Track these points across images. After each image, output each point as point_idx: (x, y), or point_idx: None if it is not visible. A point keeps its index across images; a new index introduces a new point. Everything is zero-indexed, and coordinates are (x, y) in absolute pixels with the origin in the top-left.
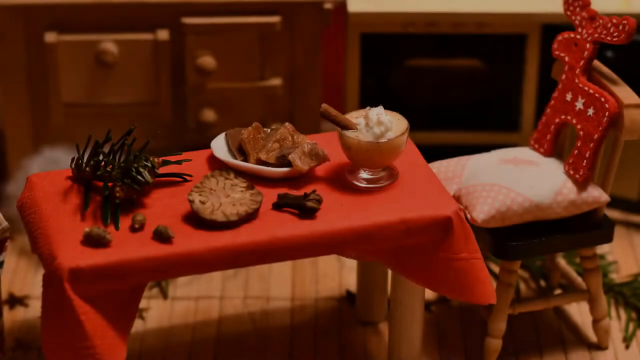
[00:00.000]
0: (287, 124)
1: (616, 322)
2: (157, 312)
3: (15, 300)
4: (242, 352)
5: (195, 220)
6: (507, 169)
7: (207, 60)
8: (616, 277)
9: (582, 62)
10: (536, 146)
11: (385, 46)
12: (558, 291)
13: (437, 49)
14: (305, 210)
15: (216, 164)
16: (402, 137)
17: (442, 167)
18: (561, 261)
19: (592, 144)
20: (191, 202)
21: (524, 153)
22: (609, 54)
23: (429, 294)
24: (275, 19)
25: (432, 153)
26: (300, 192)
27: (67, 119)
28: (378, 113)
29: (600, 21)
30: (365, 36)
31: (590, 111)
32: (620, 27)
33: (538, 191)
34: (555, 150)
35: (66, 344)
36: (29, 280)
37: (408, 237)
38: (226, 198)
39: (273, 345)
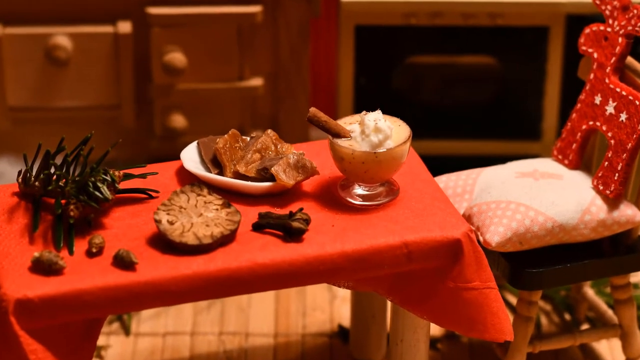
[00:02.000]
0: (269, 131)
1: None
2: (117, 350)
3: None
4: None
5: (163, 243)
6: (525, 184)
7: (176, 57)
8: None
9: (613, 59)
10: (560, 157)
11: (383, 40)
12: (585, 326)
13: (444, 44)
14: (290, 231)
15: (187, 178)
16: (404, 147)
17: (450, 182)
18: (589, 291)
19: (624, 155)
20: (157, 222)
21: (546, 165)
22: None
23: (435, 329)
24: (255, 9)
25: (438, 165)
26: (285, 211)
27: (14, 125)
28: (375, 118)
29: (635, 11)
30: (361, 29)
31: (623, 116)
32: None
33: (562, 209)
34: (582, 161)
35: None
36: None
37: (410, 263)
38: (198, 217)
39: None
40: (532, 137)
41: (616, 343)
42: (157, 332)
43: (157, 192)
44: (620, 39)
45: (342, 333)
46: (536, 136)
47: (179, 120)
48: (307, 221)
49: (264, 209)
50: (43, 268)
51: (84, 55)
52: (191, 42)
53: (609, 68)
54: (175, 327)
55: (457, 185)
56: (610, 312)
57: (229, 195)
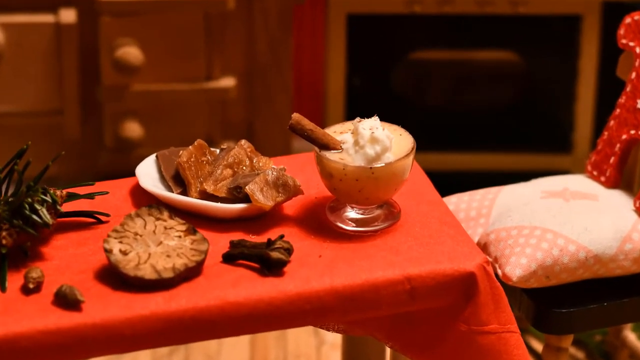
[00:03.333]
0: (243, 141)
1: None
2: None
3: None
4: None
5: (114, 277)
6: (553, 206)
7: (131, 52)
8: None
9: None
10: (595, 173)
11: (381, 32)
12: None
13: (455, 37)
14: (269, 263)
15: (143, 199)
16: (406, 161)
17: (462, 203)
18: (630, 335)
19: None
20: (108, 252)
21: (578, 183)
22: None
23: None
24: None
25: (448, 183)
26: (262, 239)
27: None
28: (372, 126)
29: None
30: (354, 18)
31: None
32: None
33: (598, 237)
34: (621, 179)
35: None
36: None
37: (414, 301)
38: (157, 246)
39: None
40: (561, 149)
41: None
42: None
43: (107, 215)
44: None
45: None
46: (566, 148)
47: (133, 129)
48: (288, 251)
49: (237, 236)
50: None
51: (20, 50)
52: (148, 33)
53: None
54: None
55: (470, 207)
56: None
57: (195, 220)
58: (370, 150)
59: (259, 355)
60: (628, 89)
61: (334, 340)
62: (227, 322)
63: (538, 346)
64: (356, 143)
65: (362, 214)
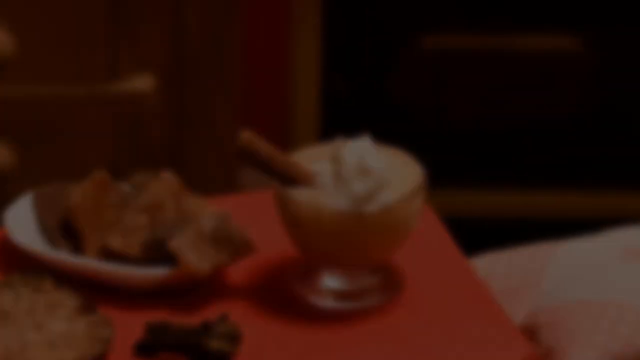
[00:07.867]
0: (165, 174)
1: None
2: None
3: None
4: None
5: None
6: (638, 272)
7: None
8: None
9: None
10: None
11: (376, 9)
12: None
13: (490, 15)
14: (205, 357)
15: (14, 260)
16: (412, 203)
17: (497, 266)
18: None
19: None
20: None
21: None
22: None
23: None
24: None
25: (477, 235)
26: (195, 320)
27: None
28: (361, 150)
29: None
30: None
31: None
32: None
33: None
34: None
35: None
36: None
37: None
38: (36, 333)
39: None
40: None
41: None
42: None
43: None
44: None
45: None
46: None
47: None
48: (234, 339)
49: (157, 316)
50: None
51: None
52: (22, 10)
53: None
54: None
55: (511, 272)
56: None
57: (93, 292)
58: (358, 187)
59: None
60: None
61: None
62: None
63: None
64: (338, 175)
65: (346, 284)
